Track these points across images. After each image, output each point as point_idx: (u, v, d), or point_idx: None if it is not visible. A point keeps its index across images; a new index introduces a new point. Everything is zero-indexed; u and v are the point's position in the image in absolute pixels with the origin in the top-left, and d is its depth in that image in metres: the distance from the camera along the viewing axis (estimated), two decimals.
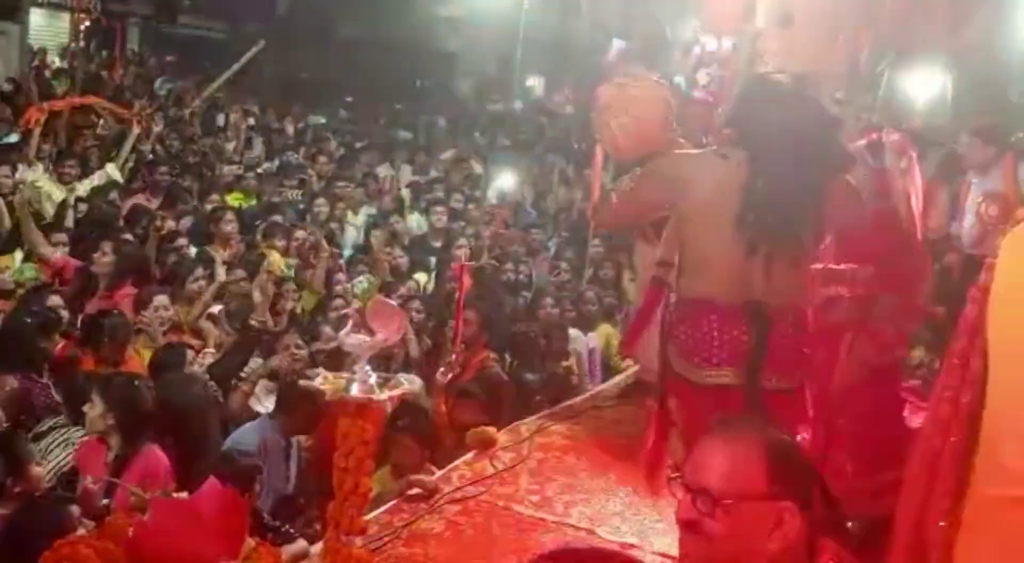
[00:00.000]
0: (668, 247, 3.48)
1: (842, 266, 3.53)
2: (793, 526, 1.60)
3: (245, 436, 4.10)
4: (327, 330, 5.24)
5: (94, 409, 3.59)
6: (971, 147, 5.33)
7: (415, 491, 4.02)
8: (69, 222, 6.46)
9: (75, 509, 3.06)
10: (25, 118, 7.83)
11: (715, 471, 1.63)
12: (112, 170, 7.48)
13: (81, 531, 2.95)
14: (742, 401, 2.95)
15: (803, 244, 3.05)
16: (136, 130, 8.04)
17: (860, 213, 3.21)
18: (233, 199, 8.05)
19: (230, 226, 6.57)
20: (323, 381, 2.71)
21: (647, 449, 3.59)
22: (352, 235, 8.01)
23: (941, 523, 2.25)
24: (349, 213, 8.17)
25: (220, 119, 10.99)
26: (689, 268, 3.07)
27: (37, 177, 6.85)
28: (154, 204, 7.23)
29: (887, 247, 3.56)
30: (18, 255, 5.96)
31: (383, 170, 10.19)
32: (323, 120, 12.33)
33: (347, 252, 7.45)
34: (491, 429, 4.59)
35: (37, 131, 7.32)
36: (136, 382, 3.69)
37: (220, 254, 6.42)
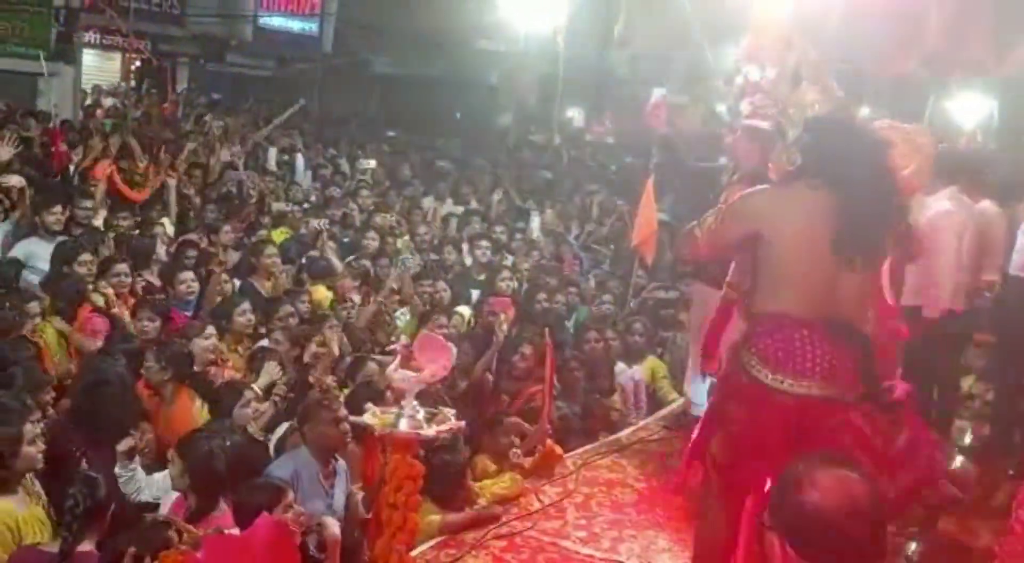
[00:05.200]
0: (741, 270, 3.65)
1: None
2: None
3: (276, 468, 4.07)
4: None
5: (175, 467, 3.58)
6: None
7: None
8: None
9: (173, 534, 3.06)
10: (94, 171, 7.97)
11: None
12: (167, 225, 7.67)
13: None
14: (822, 410, 3.04)
15: (881, 261, 3.29)
16: (173, 182, 8.14)
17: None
18: (279, 234, 8.15)
19: (271, 259, 6.66)
20: (371, 416, 2.71)
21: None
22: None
23: None
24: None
25: (272, 154, 11.17)
26: (774, 286, 3.20)
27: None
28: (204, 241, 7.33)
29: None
30: None
31: (427, 202, 10.26)
32: (373, 163, 12.41)
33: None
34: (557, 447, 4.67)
35: (102, 186, 7.52)
36: (210, 445, 3.55)
37: (264, 286, 6.50)
